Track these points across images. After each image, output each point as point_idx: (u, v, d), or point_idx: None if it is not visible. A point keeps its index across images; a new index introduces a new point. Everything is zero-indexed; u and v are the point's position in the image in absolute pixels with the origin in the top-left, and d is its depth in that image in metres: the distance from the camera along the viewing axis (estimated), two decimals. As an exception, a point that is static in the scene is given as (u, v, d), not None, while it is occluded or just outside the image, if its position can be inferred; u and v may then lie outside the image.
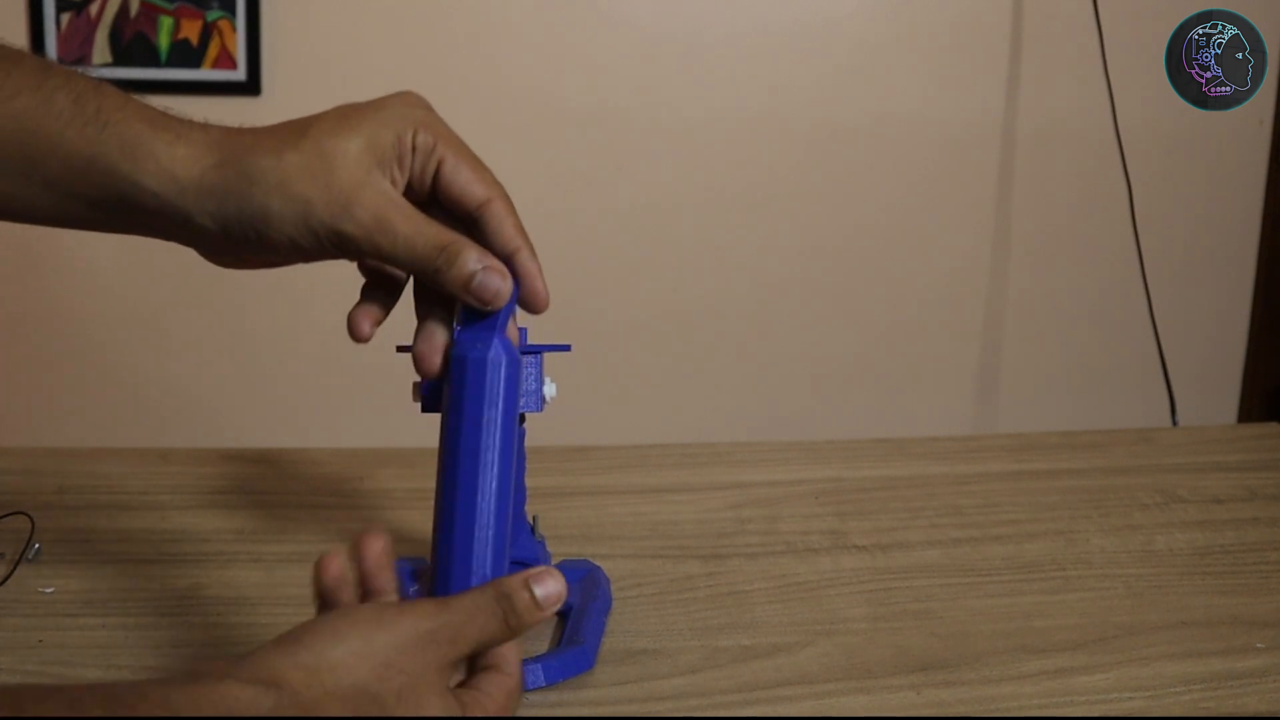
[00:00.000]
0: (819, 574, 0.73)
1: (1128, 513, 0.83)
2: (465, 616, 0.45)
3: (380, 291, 0.53)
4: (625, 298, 1.70)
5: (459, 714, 0.44)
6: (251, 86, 1.57)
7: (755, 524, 0.80)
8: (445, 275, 0.47)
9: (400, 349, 0.62)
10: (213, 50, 1.57)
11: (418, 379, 0.53)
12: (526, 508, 0.65)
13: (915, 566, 0.74)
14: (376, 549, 0.48)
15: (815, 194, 1.70)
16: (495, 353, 0.49)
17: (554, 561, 0.71)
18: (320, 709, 0.40)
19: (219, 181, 0.46)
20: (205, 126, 0.48)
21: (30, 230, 1.64)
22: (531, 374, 0.60)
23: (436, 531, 0.49)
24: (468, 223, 0.50)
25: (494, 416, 0.49)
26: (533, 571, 0.47)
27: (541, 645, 0.63)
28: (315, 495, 0.83)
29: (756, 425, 1.74)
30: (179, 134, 0.46)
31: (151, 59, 1.56)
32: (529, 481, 0.66)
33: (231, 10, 1.56)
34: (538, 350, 0.60)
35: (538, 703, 0.57)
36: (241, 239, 0.48)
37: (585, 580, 0.69)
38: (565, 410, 1.40)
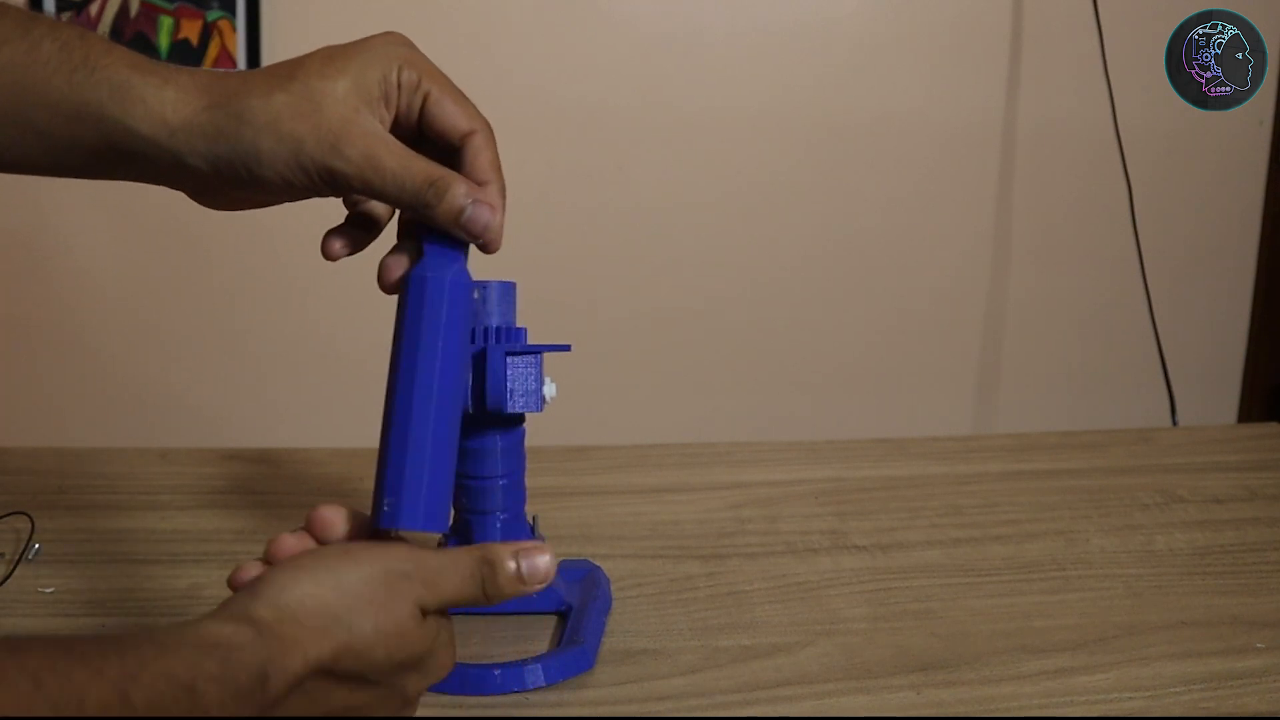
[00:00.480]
0: (819, 574, 0.73)
1: (1128, 513, 0.83)
2: (441, 567, 0.45)
3: (358, 228, 0.54)
4: (625, 298, 1.70)
5: (445, 645, 0.46)
6: (251, 86, 1.57)
7: (755, 524, 0.80)
8: (435, 209, 0.48)
9: None
10: (213, 50, 1.57)
11: None
12: (526, 508, 0.66)
13: (915, 566, 0.74)
14: (330, 519, 0.48)
15: (815, 194, 1.69)
16: (448, 274, 0.48)
17: None
18: (295, 642, 0.41)
19: (209, 123, 0.46)
20: (192, 71, 0.48)
21: (30, 230, 1.64)
22: (531, 374, 0.60)
23: (379, 455, 0.48)
24: (451, 154, 0.50)
25: (437, 335, 0.48)
26: (524, 544, 0.47)
27: (541, 645, 0.63)
28: (315, 495, 0.83)
29: (756, 425, 1.74)
30: (166, 78, 0.47)
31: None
32: (529, 481, 0.66)
33: (231, 10, 1.56)
34: (537, 350, 0.60)
35: (537, 703, 0.57)
36: (232, 179, 0.48)
37: (585, 580, 0.69)
38: (565, 410, 1.40)
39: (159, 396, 1.67)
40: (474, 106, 0.50)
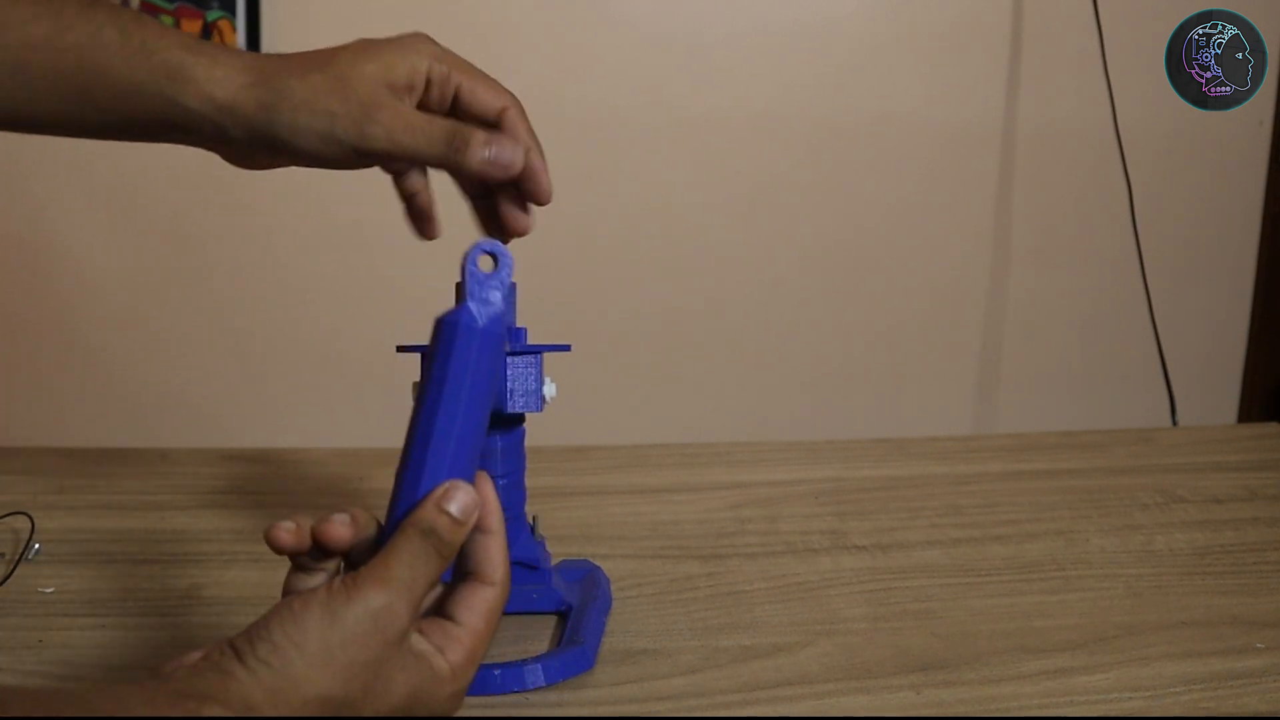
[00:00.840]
0: (819, 574, 0.73)
1: (1128, 513, 0.83)
2: (408, 573, 0.45)
3: (417, 219, 0.62)
4: (625, 298, 1.70)
5: (429, 674, 0.44)
6: (251, 86, 1.57)
7: (755, 524, 0.80)
8: (463, 156, 0.53)
9: (401, 349, 0.62)
10: (213, 50, 1.57)
11: (417, 379, 0.54)
12: (526, 508, 0.66)
13: (915, 566, 0.74)
14: (338, 534, 0.48)
15: (815, 194, 1.70)
16: (471, 318, 0.49)
17: (554, 562, 0.71)
18: (295, 684, 0.40)
19: (252, 99, 0.52)
20: (238, 51, 0.54)
21: (30, 230, 1.64)
22: (531, 374, 0.60)
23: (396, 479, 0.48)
24: (490, 130, 0.56)
25: (462, 377, 0.48)
26: (437, 492, 0.47)
27: (541, 645, 0.63)
28: (315, 495, 0.83)
29: (756, 425, 1.74)
30: (215, 58, 0.52)
31: (151, 59, 1.56)
32: (529, 481, 0.66)
33: (231, 10, 1.56)
34: (538, 350, 0.60)
35: (537, 703, 0.57)
36: (269, 148, 0.53)
37: (585, 580, 0.69)
38: (565, 410, 1.40)
39: (159, 396, 1.67)
40: (503, 87, 0.56)
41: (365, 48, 0.54)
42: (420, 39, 0.56)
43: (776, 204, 1.69)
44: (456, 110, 0.55)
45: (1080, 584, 0.72)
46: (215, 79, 0.52)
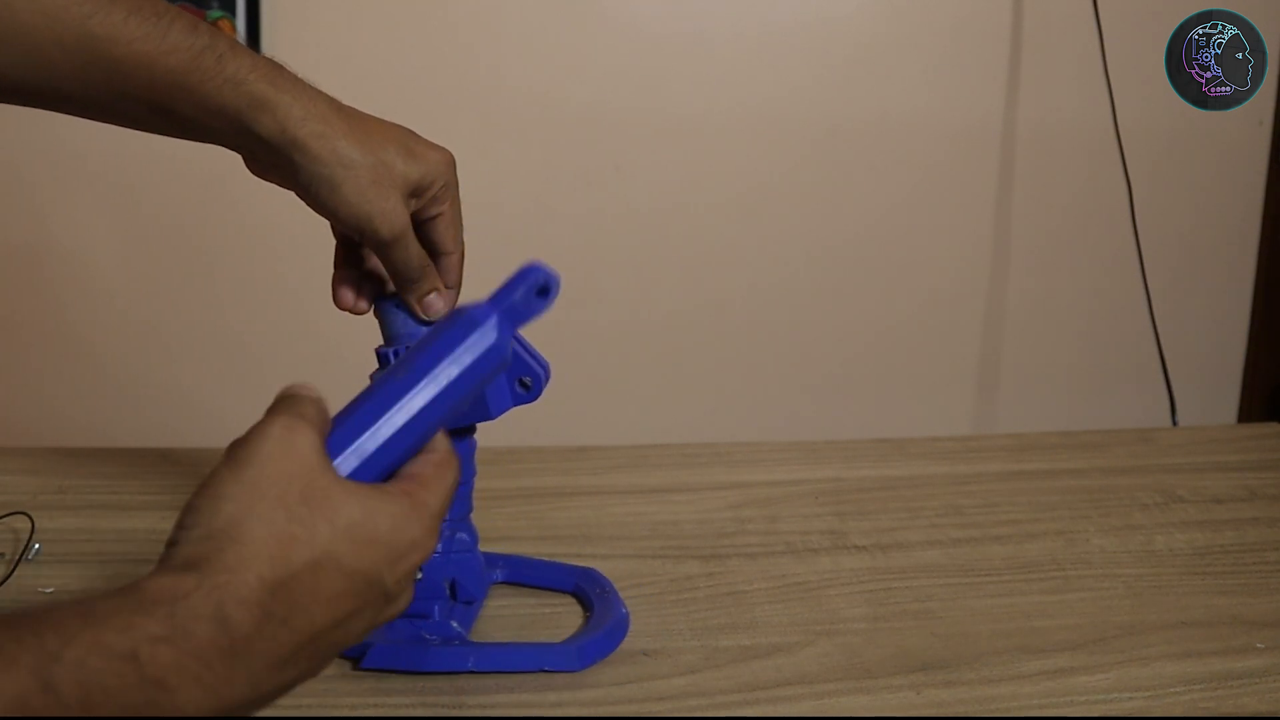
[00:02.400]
0: (819, 574, 0.73)
1: (1128, 513, 0.83)
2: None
3: (355, 268, 0.65)
4: (625, 298, 1.70)
5: (411, 514, 0.45)
6: (251, 86, 1.57)
7: (755, 524, 0.80)
8: (418, 285, 0.62)
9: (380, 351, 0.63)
10: (213, 50, 1.57)
11: (381, 346, 0.62)
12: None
13: (915, 566, 0.74)
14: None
15: (815, 194, 1.69)
16: (492, 323, 0.50)
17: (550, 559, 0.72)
18: (244, 565, 0.39)
19: (314, 149, 0.58)
20: (313, 94, 0.59)
21: (30, 230, 1.64)
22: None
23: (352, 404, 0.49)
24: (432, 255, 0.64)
25: (450, 366, 0.49)
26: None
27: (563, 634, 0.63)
28: (315, 495, 0.83)
29: (756, 425, 1.74)
30: (296, 96, 0.58)
31: (151, 59, 1.56)
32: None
33: (231, 10, 1.56)
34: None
35: (538, 703, 0.57)
36: (290, 183, 0.60)
37: (589, 578, 0.69)
38: (565, 410, 1.41)
39: (159, 396, 1.67)
40: (460, 230, 0.64)
41: (411, 151, 0.61)
42: (448, 161, 0.63)
43: (776, 204, 1.69)
44: (425, 225, 0.63)
45: (1080, 584, 0.72)
46: (292, 116, 0.58)
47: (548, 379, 0.58)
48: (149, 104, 0.58)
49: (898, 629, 0.65)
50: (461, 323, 0.50)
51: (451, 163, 0.64)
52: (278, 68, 0.59)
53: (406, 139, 0.62)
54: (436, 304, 0.63)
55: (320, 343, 1.61)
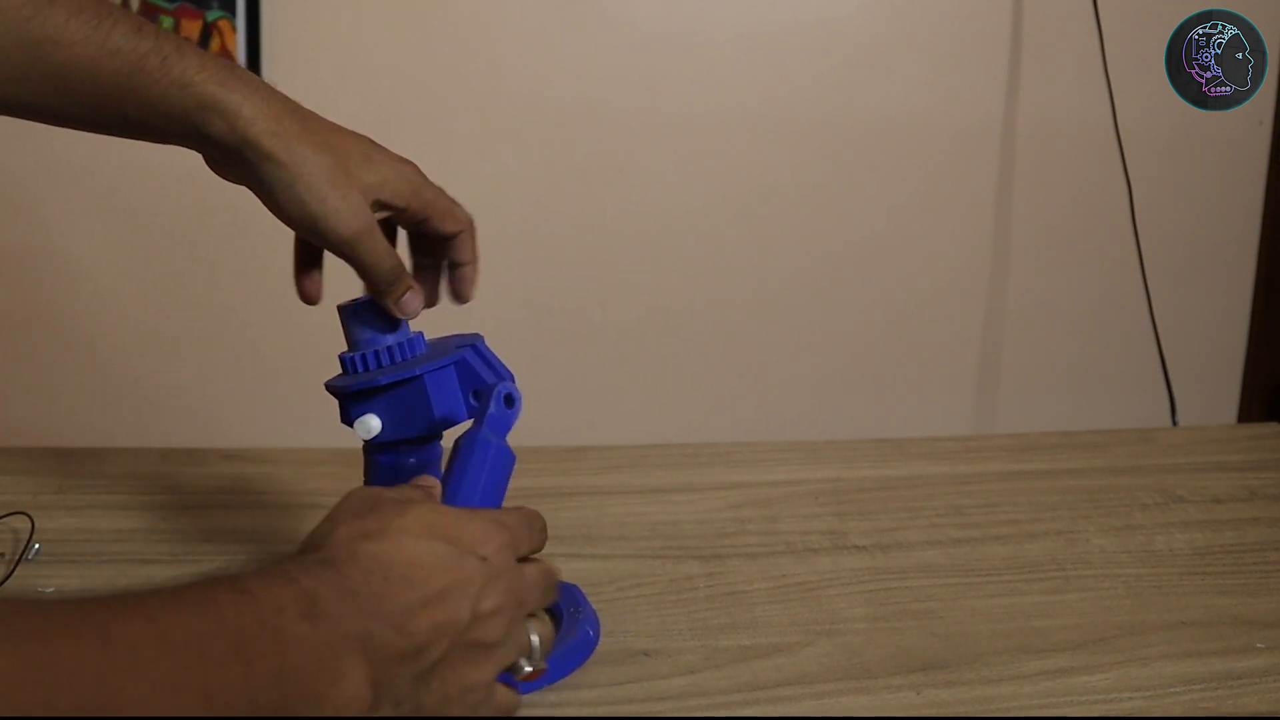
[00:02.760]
0: (819, 574, 0.73)
1: (1128, 513, 0.83)
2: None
3: (315, 261, 0.66)
4: (625, 298, 1.70)
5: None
6: (251, 86, 1.57)
7: (755, 524, 0.80)
8: (392, 288, 0.61)
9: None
10: (213, 50, 1.57)
11: (344, 352, 0.64)
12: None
13: (915, 566, 0.74)
14: None
15: (815, 194, 1.69)
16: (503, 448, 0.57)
17: None
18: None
19: (266, 143, 0.57)
20: (266, 94, 0.58)
21: (30, 230, 1.63)
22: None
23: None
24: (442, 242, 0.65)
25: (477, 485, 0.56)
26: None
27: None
28: (315, 495, 0.83)
29: (756, 425, 1.74)
30: (245, 95, 0.56)
31: (151, 59, 1.56)
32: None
33: (231, 10, 1.56)
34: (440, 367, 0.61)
35: (538, 702, 0.57)
36: (253, 182, 0.58)
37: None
38: (565, 410, 1.40)
39: (159, 396, 1.67)
40: (459, 209, 0.63)
41: (370, 157, 0.60)
42: (412, 170, 0.62)
43: (776, 204, 1.69)
44: (423, 228, 0.63)
45: (1080, 584, 0.72)
46: (244, 115, 0.56)
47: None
48: (95, 108, 0.57)
49: (898, 629, 0.65)
50: (475, 448, 0.56)
51: (416, 170, 0.63)
52: (229, 68, 0.58)
53: (366, 146, 0.61)
54: (413, 303, 0.62)
55: (321, 343, 1.61)
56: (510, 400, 0.57)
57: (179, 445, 0.93)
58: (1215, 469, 0.92)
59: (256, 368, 1.65)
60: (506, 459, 0.57)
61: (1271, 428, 1.03)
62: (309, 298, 0.66)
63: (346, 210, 0.58)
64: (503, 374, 0.62)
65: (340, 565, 0.44)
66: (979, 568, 0.74)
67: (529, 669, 0.50)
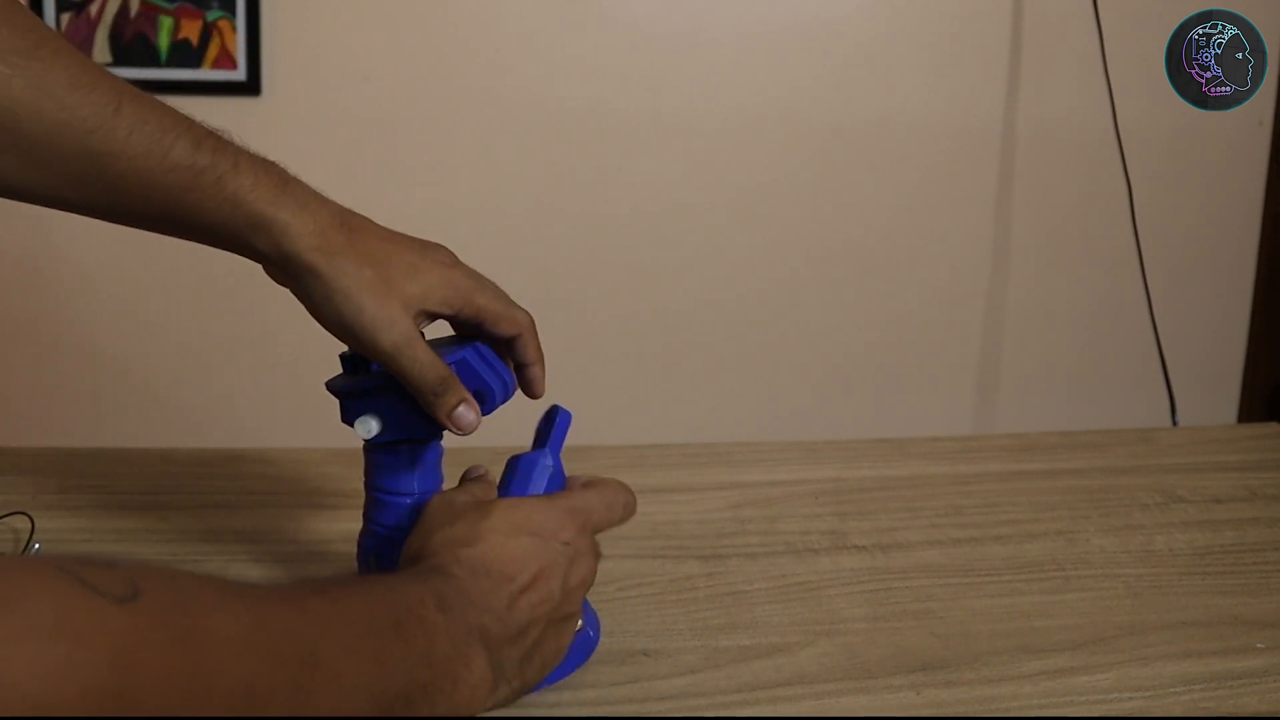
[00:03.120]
0: (819, 574, 0.73)
1: (1128, 513, 0.83)
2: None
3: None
4: (625, 298, 1.70)
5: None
6: (251, 86, 1.57)
7: (755, 524, 0.80)
8: (440, 399, 0.59)
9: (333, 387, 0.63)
10: (213, 50, 1.57)
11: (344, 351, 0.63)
12: None
13: (915, 566, 0.74)
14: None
15: (815, 194, 1.70)
16: (546, 461, 0.61)
17: None
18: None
19: (309, 259, 0.58)
20: (315, 210, 0.58)
21: (30, 231, 1.63)
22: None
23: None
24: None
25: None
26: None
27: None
28: (315, 495, 0.83)
29: (756, 425, 1.74)
30: (294, 215, 0.58)
31: (151, 59, 1.56)
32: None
33: (231, 10, 1.56)
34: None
35: (538, 702, 0.57)
36: (299, 293, 0.60)
37: None
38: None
39: (159, 396, 1.67)
40: (514, 311, 0.63)
41: (416, 267, 0.60)
42: (461, 276, 0.61)
43: (776, 204, 1.69)
44: (478, 328, 0.62)
45: (1080, 584, 0.72)
46: (289, 235, 0.57)
47: (506, 398, 0.62)
48: (149, 215, 0.58)
49: (898, 629, 0.65)
50: (524, 465, 0.60)
51: (467, 276, 0.62)
52: (281, 183, 0.58)
53: (414, 256, 0.60)
54: (467, 417, 0.60)
55: (321, 343, 1.61)
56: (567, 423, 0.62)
57: (179, 445, 0.93)
58: (1215, 469, 0.92)
59: (257, 368, 1.65)
60: (559, 478, 0.61)
61: (1271, 428, 1.03)
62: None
63: (385, 321, 0.58)
64: (503, 374, 0.62)
65: (448, 570, 0.51)
66: (979, 568, 0.74)
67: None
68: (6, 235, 1.58)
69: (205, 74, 1.57)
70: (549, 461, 0.60)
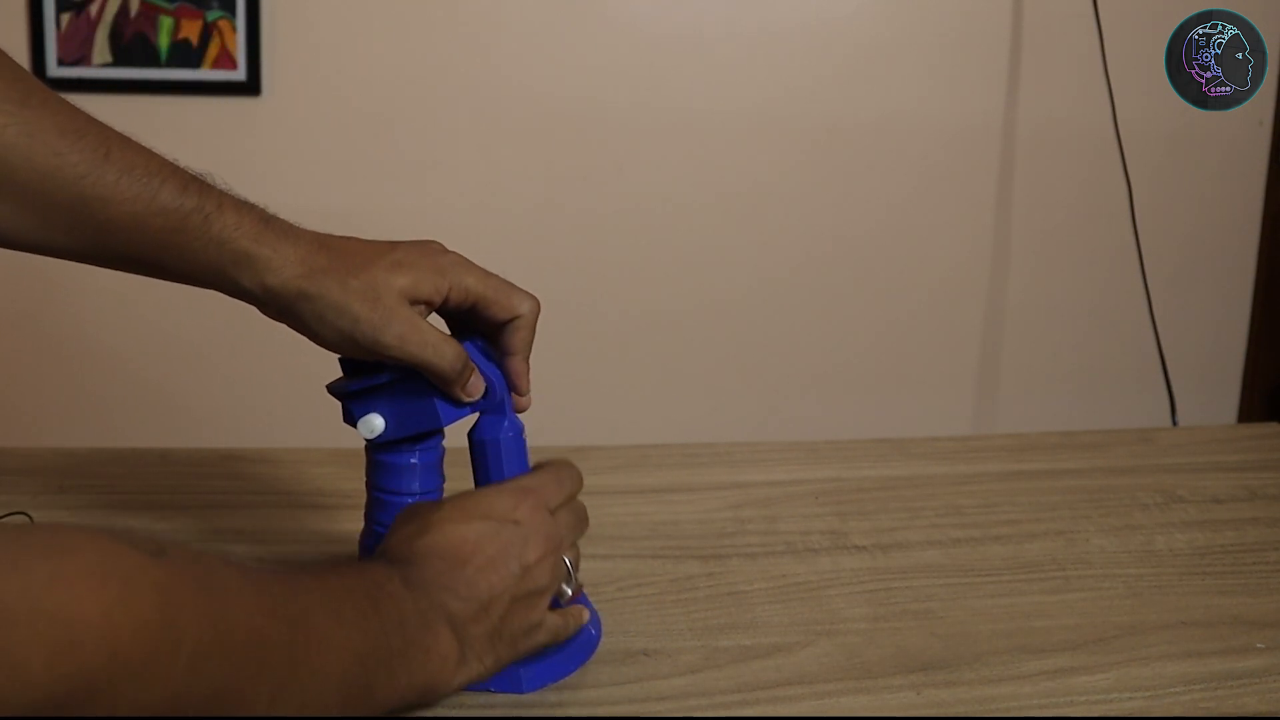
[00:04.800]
0: (819, 574, 0.73)
1: (1128, 513, 0.83)
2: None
3: None
4: (625, 298, 1.70)
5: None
6: (251, 86, 1.57)
7: (755, 524, 0.80)
8: (460, 378, 0.60)
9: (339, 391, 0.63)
10: (213, 50, 1.57)
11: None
12: None
13: (915, 566, 0.74)
14: None
15: (815, 194, 1.70)
16: (508, 430, 0.62)
17: None
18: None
19: (294, 289, 0.59)
20: (295, 240, 0.60)
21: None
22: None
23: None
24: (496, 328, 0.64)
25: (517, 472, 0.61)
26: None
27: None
28: (315, 495, 0.83)
29: (756, 425, 1.74)
30: (275, 249, 0.59)
31: (151, 59, 1.56)
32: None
33: (231, 10, 1.56)
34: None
35: (538, 702, 0.57)
36: (296, 328, 0.61)
37: None
38: (565, 410, 1.40)
39: (159, 396, 1.67)
40: (517, 294, 0.63)
41: (400, 263, 0.60)
42: (451, 262, 0.62)
43: (776, 204, 1.69)
44: (474, 313, 0.63)
45: (1080, 584, 0.72)
46: (272, 268, 0.59)
47: (502, 394, 0.62)
48: (137, 259, 0.60)
49: (898, 629, 0.65)
50: (491, 450, 0.62)
51: (458, 263, 0.62)
52: (264, 221, 0.60)
53: (400, 254, 0.61)
54: (478, 385, 0.62)
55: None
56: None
57: (179, 445, 0.93)
58: (1215, 469, 0.92)
59: (257, 368, 1.65)
60: (517, 437, 0.62)
61: (1271, 428, 1.03)
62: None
63: (381, 320, 0.59)
64: (496, 372, 0.62)
65: (405, 562, 0.54)
66: (979, 568, 0.74)
67: (569, 591, 0.58)
68: (6, 235, 1.58)
69: (205, 74, 1.57)
70: (498, 435, 0.62)
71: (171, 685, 0.38)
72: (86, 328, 1.64)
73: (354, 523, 0.74)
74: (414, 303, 0.60)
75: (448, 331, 0.64)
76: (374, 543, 0.63)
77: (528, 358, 0.64)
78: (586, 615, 0.60)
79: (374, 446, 0.63)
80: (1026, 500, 0.85)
